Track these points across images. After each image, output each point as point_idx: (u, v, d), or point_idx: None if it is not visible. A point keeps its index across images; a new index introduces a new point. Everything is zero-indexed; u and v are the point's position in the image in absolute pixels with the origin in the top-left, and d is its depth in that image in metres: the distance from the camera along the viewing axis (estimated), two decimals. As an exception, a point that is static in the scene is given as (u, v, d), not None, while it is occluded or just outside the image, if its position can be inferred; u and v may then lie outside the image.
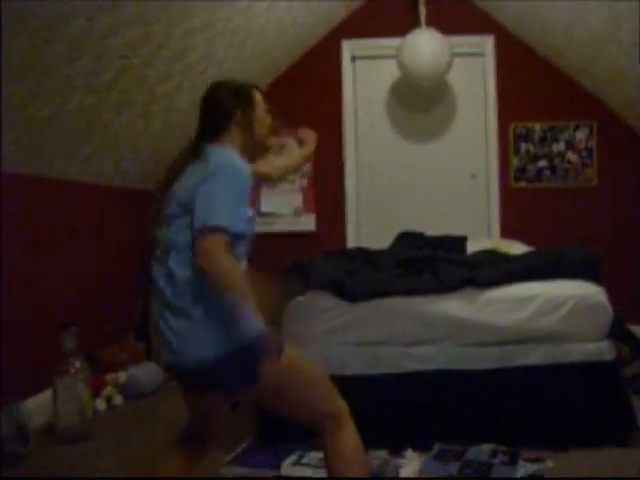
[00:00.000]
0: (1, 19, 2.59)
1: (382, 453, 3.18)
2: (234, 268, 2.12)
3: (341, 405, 2.35)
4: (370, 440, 3.22)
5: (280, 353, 2.18)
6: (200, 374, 2.20)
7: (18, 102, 3.44)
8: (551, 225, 6.00)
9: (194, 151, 2.34)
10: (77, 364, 3.88)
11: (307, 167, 6.10)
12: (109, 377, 4.51)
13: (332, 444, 2.31)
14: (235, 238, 2.16)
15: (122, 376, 4.58)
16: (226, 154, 2.29)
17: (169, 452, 2.47)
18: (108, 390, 4.44)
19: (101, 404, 4.34)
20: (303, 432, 3.25)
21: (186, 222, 2.19)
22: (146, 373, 4.71)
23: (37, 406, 3.94)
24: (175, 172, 2.35)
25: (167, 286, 2.20)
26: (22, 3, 2.87)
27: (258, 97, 2.51)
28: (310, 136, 3.19)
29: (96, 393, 4.33)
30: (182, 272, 2.18)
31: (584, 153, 6.05)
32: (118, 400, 4.46)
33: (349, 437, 2.32)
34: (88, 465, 3.43)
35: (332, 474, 2.32)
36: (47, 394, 3.95)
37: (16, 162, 3.81)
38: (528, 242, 5.09)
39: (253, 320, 2.07)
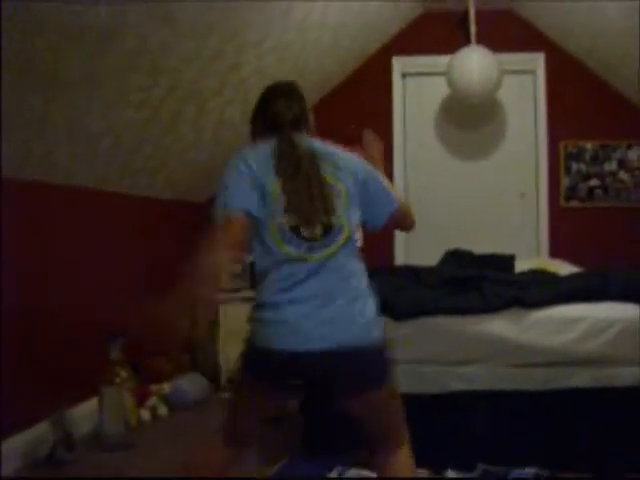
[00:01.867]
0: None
1: (423, 472, 3.15)
2: None
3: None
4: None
5: None
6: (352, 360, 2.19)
7: (71, 115, 3.51)
8: (602, 246, 5.90)
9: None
10: (123, 374, 3.94)
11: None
12: (154, 387, 4.56)
13: (398, 460, 2.36)
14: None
15: (167, 387, 4.62)
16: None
17: (210, 450, 2.48)
18: (153, 400, 4.48)
19: (146, 414, 4.38)
20: (345, 447, 3.28)
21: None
22: (191, 384, 4.74)
23: (84, 414, 4.00)
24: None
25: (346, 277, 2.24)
26: (75, 17, 2.93)
27: None
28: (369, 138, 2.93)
29: (141, 403, 4.37)
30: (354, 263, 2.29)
31: (637, 172, 5.96)
32: (163, 410, 4.50)
33: (411, 457, 2.39)
34: (130, 474, 3.47)
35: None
36: (93, 402, 4.00)
37: (70, 175, 3.89)
38: (578, 263, 5.02)
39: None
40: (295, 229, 2.18)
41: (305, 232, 2.18)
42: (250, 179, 2.19)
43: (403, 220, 2.52)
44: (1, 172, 3.32)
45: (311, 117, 2.43)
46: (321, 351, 2.12)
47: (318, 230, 2.19)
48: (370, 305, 2.23)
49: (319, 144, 2.31)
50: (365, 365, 2.19)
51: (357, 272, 2.27)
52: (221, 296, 5.06)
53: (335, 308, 2.15)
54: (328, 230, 2.20)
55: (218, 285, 2.21)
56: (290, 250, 2.18)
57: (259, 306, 2.23)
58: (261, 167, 2.21)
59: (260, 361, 2.25)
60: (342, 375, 2.20)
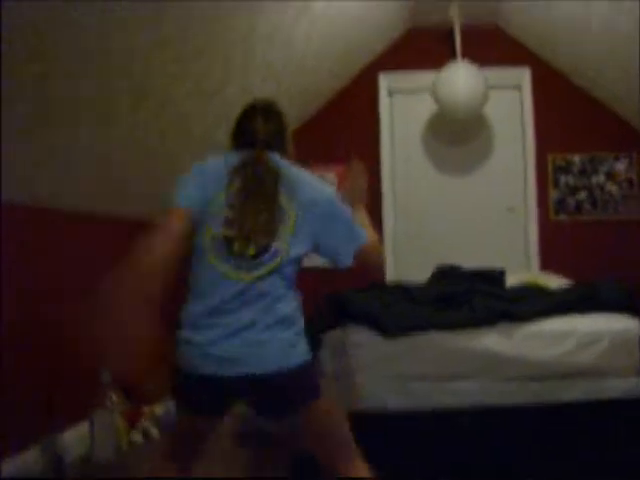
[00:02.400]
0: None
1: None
2: None
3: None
4: (402, 475, 3.22)
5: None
6: (276, 384, 2.19)
7: (59, 139, 3.50)
8: (592, 258, 5.91)
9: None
10: (114, 397, 3.91)
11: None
12: (146, 409, 4.52)
13: (356, 470, 2.33)
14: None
15: (158, 409, 4.58)
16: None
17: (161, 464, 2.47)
18: (144, 422, 4.44)
19: (137, 436, 4.34)
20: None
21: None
22: (182, 406, 4.70)
23: (74, 438, 3.96)
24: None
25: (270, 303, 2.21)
26: (62, 37, 2.93)
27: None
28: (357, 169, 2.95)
29: (132, 425, 4.34)
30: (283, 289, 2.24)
31: (624, 184, 5.98)
32: (154, 432, 4.46)
33: (365, 469, 2.36)
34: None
35: None
36: (84, 427, 3.97)
37: (55, 197, 3.87)
38: (568, 276, 5.02)
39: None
40: (228, 242, 2.18)
41: (237, 247, 2.18)
42: (200, 183, 2.23)
43: (365, 260, 2.39)
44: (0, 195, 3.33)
45: (289, 139, 2.43)
46: (237, 376, 2.15)
47: (251, 249, 2.18)
48: (291, 331, 2.21)
49: (288, 168, 2.30)
50: (281, 389, 2.19)
51: (284, 298, 2.22)
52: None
53: (254, 333, 2.16)
54: (262, 252, 2.18)
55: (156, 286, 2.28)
56: (217, 263, 2.19)
57: (183, 325, 2.30)
58: (216, 175, 2.24)
59: (188, 387, 2.28)
60: (262, 399, 2.26)
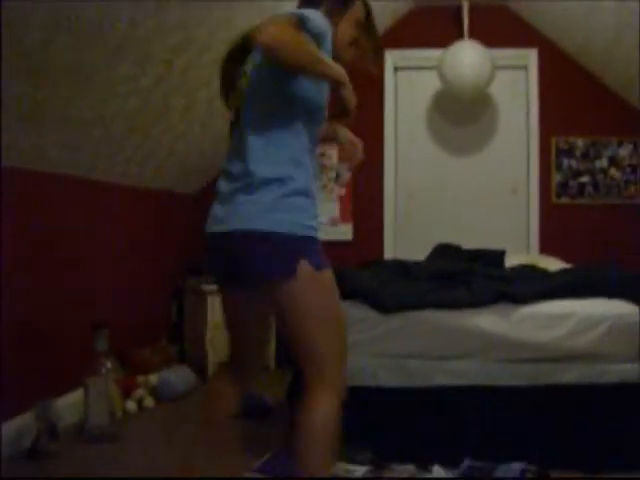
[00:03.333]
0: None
1: (409, 467, 3.14)
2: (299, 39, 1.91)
3: (343, 379, 2.12)
4: (398, 453, 3.22)
5: (319, 266, 2.05)
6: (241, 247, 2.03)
7: (60, 104, 3.48)
8: (592, 242, 5.90)
9: None
10: (109, 365, 3.91)
11: (346, 176, 6.08)
12: (140, 379, 4.53)
13: (312, 407, 2.05)
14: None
15: (153, 378, 4.59)
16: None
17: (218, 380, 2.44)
18: (139, 392, 4.45)
19: (132, 405, 4.35)
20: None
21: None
22: (178, 376, 4.72)
23: (68, 405, 3.97)
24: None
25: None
26: (65, 4, 2.90)
27: (358, 6, 2.30)
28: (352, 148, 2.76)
29: (127, 394, 4.35)
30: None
31: (627, 170, 5.95)
32: (149, 402, 4.47)
33: (334, 409, 2.06)
34: (115, 465, 3.45)
35: (299, 438, 2.08)
36: (78, 393, 3.98)
37: (58, 163, 3.85)
38: (567, 259, 5.02)
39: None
40: None
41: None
42: None
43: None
44: (1, 161, 3.30)
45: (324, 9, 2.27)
46: (217, 232, 2.08)
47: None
48: (270, 195, 2.02)
49: None
50: (240, 252, 2.04)
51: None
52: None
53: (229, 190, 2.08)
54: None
55: None
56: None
57: None
58: None
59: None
60: (230, 262, 2.08)
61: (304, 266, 2.01)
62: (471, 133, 6.24)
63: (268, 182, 2.01)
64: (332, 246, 6.05)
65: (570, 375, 3.28)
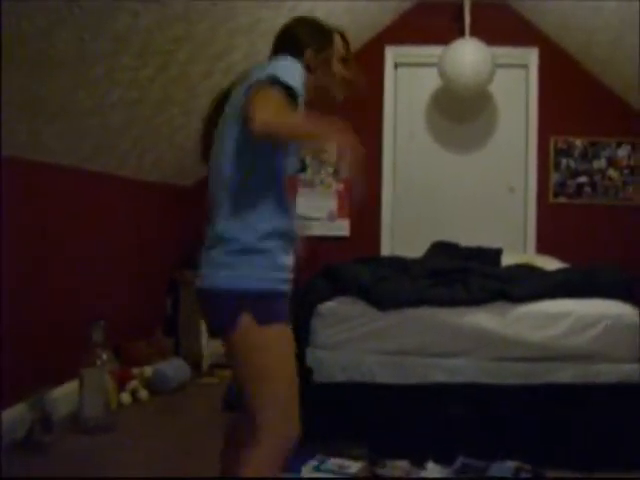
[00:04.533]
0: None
1: (404, 463, 3.15)
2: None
3: (283, 432, 2.06)
4: (392, 449, 3.23)
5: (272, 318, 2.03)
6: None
7: (61, 93, 3.47)
8: (589, 242, 5.91)
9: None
10: (104, 357, 3.91)
11: (343, 172, 6.08)
12: (135, 371, 4.53)
13: (245, 458, 2.02)
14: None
15: (148, 371, 4.59)
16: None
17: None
18: (134, 384, 4.45)
19: (126, 397, 4.35)
20: (326, 437, 3.26)
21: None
22: (172, 369, 4.72)
23: (63, 396, 3.97)
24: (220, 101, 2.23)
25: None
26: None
27: (338, 41, 2.29)
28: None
29: (122, 386, 4.35)
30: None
31: (625, 171, 5.96)
32: (143, 394, 4.47)
33: (266, 462, 2.02)
34: (109, 457, 3.45)
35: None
36: (73, 385, 3.98)
37: (56, 153, 3.85)
38: (564, 258, 5.02)
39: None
40: None
41: None
42: None
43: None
44: (0, 151, 3.30)
45: (308, 56, 2.22)
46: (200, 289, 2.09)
47: None
48: (222, 250, 2.03)
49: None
50: (205, 308, 2.11)
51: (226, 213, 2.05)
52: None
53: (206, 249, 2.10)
54: None
55: None
56: None
57: None
58: None
59: None
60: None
61: (245, 320, 2.00)
62: (470, 131, 6.24)
63: (220, 240, 2.03)
64: (329, 242, 6.08)
65: (566, 374, 3.28)
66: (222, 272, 2.02)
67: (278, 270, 2.06)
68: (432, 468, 3.14)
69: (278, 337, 2.08)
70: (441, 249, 4.69)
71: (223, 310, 2.03)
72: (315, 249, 5.87)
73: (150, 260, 5.24)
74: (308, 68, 2.15)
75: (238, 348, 2.04)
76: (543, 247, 5.93)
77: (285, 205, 2.08)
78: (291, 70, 1.98)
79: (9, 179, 3.50)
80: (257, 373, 2.04)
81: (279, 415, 2.05)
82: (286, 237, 2.08)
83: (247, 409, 2.07)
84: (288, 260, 2.10)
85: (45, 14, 2.90)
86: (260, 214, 2.04)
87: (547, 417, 3.28)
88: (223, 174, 2.06)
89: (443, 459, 3.20)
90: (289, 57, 2.07)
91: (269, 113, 1.82)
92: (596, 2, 4.74)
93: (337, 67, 2.27)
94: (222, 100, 2.22)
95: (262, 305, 2.03)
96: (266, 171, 2.05)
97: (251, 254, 2.01)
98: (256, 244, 2.02)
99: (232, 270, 2.01)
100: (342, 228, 6.13)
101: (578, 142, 6.01)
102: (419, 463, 3.18)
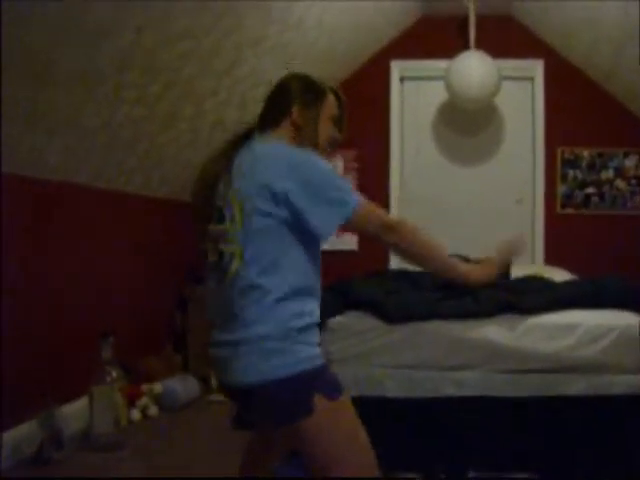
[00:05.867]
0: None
1: (415, 477, 3.13)
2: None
3: None
4: (403, 463, 3.21)
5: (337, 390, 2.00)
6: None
7: (66, 110, 3.48)
8: (597, 253, 5.90)
9: (244, 139, 2.14)
10: (114, 373, 3.91)
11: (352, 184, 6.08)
12: (145, 387, 4.52)
13: None
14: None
15: (158, 387, 4.59)
16: (283, 146, 2.06)
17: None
18: (144, 400, 4.44)
19: (136, 414, 4.35)
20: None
21: (275, 222, 1.94)
22: (182, 385, 4.71)
23: (73, 413, 3.97)
24: (221, 164, 2.17)
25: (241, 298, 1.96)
26: (72, 12, 2.91)
27: (330, 100, 2.25)
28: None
29: (132, 403, 4.34)
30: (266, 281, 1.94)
31: (633, 181, 5.95)
32: (153, 411, 4.47)
33: None
34: (119, 474, 3.44)
35: None
36: (83, 401, 3.98)
37: (63, 170, 3.86)
38: (573, 270, 5.00)
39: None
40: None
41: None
42: None
43: (364, 228, 2.07)
44: (1, 167, 3.30)
45: (295, 112, 2.15)
46: (233, 386, 2.01)
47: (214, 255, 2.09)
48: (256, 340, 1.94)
49: (263, 146, 2.07)
50: (251, 405, 2.02)
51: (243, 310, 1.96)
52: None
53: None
54: (220, 257, 2.06)
55: None
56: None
57: None
58: None
59: None
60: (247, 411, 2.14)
61: (320, 401, 1.95)
62: (477, 143, 6.24)
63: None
64: (337, 256, 6.08)
65: (577, 386, 3.26)
66: (273, 361, 1.93)
67: (315, 345, 2.05)
68: (443, 482, 3.13)
69: (349, 406, 2.07)
70: (450, 262, 4.66)
71: (292, 398, 1.94)
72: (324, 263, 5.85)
73: (158, 276, 5.24)
74: (294, 124, 2.14)
75: (318, 431, 1.96)
76: (551, 258, 5.92)
77: None
78: (332, 173, 2.02)
79: (13, 196, 3.51)
80: (346, 447, 2.01)
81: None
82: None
83: None
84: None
85: (51, 29, 2.91)
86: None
87: (559, 429, 3.26)
88: None
89: (454, 472, 3.19)
90: (281, 144, 2.06)
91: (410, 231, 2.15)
92: (599, 14, 4.75)
93: (323, 126, 2.20)
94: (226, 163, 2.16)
95: (327, 379, 2.03)
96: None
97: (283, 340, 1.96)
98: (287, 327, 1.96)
99: (284, 356, 1.93)
100: (350, 242, 6.12)
101: (585, 153, 6.01)
102: (430, 477, 3.17)
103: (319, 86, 2.25)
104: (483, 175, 6.22)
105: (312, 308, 2.04)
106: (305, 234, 1.99)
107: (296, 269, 2.00)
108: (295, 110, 2.15)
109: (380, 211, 2.04)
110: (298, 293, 1.98)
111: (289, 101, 2.17)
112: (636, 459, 3.20)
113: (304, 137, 2.14)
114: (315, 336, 2.03)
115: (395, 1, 5.59)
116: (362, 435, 2.08)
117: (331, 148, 2.25)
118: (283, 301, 1.94)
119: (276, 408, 1.96)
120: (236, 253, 1.98)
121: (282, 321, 1.93)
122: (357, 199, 1.99)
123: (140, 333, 4.89)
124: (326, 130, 2.21)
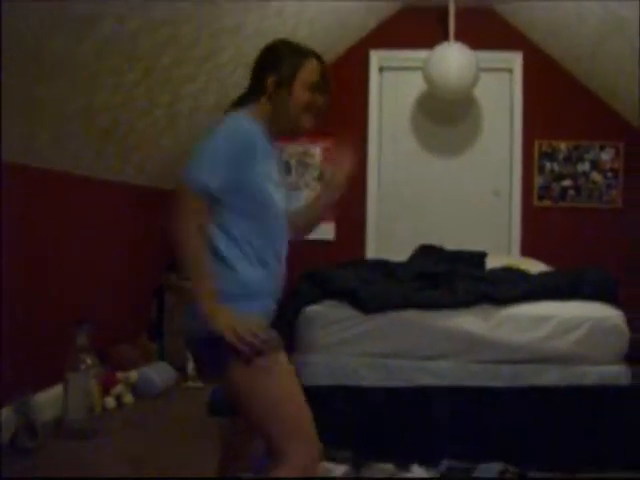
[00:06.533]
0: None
1: (389, 466, 3.15)
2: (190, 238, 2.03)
3: (306, 452, 2.01)
4: (377, 452, 3.23)
5: (258, 354, 1.95)
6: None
7: (48, 98, 3.46)
8: (573, 245, 5.94)
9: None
10: (89, 361, 3.89)
11: (328, 174, 6.08)
12: (120, 375, 4.50)
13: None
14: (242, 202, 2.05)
15: (133, 375, 4.57)
16: (233, 116, 2.09)
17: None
18: (118, 388, 4.43)
19: (111, 402, 4.33)
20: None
21: None
22: (157, 373, 4.70)
23: (47, 400, 3.94)
24: None
25: None
26: (55, 4, 2.89)
27: (310, 67, 2.16)
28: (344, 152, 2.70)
29: (106, 391, 4.32)
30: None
31: (609, 174, 6.00)
32: (128, 399, 4.45)
33: None
34: (93, 461, 3.43)
35: None
36: (58, 389, 3.95)
37: (43, 157, 3.83)
38: (548, 261, 5.04)
39: (201, 317, 1.93)
40: None
41: None
42: None
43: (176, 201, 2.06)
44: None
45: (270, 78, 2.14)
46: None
47: None
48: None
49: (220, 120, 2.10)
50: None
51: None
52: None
53: None
54: None
55: None
56: None
57: None
58: None
59: None
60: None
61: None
62: (455, 134, 6.26)
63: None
64: (314, 246, 6.07)
65: (550, 377, 3.30)
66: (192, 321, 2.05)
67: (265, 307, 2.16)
68: (417, 471, 3.15)
69: (275, 363, 2.05)
70: (426, 252, 4.69)
71: (209, 357, 2.04)
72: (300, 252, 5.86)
73: (135, 264, 5.22)
74: (268, 95, 2.14)
75: (236, 384, 2.02)
76: (527, 250, 5.95)
77: None
78: (212, 150, 2.01)
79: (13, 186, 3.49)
80: (263, 400, 2.01)
81: (294, 438, 2.00)
82: None
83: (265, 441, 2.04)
84: None
85: (35, 20, 2.89)
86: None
87: (532, 419, 3.29)
88: None
89: (428, 461, 3.20)
90: (231, 117, 2.09)
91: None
92: (579, 7, 4.77)
93: (300, 94, 2.14)
94: None
95: None
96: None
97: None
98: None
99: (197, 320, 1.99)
100: (327, 232, 6.12)
101: (562, 145, 6.04)
102: (404, 466, 3.18)
103: (302, 52, 2.19)
104: (461, 166, 6.24)
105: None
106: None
107: None
108: (269, 81, 2.13)
109: (190, 207, 2.01)
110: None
111: (263, 72, 2.17)
112: (608, 446, 3.24)
113: (278, 107, 2.14)
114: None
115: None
116: (282, 390, 2.07)
117: (312, 114, 2.20)
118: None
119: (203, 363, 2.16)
120: None
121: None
122: (195, 180, 1.99)
123: (116, 321, 4.87)
124: (301, 96, 2.14)
